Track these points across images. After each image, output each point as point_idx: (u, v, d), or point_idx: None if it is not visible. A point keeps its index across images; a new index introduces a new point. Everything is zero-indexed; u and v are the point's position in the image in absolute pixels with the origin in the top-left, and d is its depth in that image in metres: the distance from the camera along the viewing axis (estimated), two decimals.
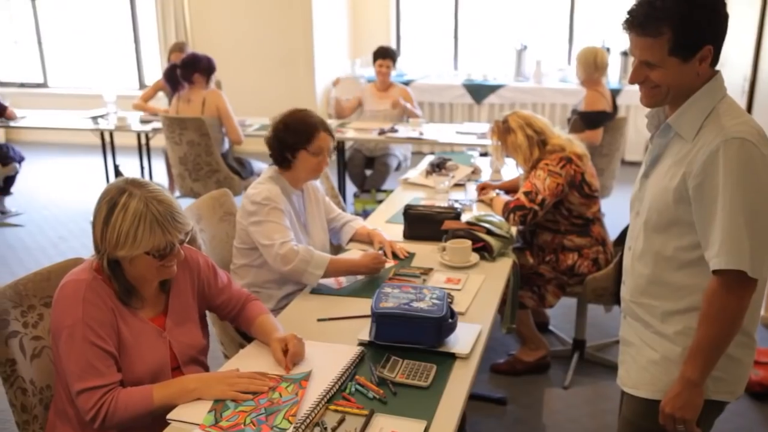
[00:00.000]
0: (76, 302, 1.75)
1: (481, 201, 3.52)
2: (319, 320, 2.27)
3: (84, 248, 5.23)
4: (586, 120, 4.67)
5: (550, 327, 3.91)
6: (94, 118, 5.94)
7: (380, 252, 2.74)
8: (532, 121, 3.27)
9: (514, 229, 3.04)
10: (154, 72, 8.41)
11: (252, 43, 7.88)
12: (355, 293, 2.48)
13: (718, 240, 1.60)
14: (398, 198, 3.69)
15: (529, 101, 7.60)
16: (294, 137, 2.64)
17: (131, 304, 1.86)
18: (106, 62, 8.93)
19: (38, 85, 9.02)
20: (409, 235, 3.00)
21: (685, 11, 1.57)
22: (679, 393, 1.70)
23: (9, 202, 6.24)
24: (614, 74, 7.43)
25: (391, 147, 5.75)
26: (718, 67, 1.70)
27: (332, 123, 5.71)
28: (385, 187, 5.71)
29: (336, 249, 3.05)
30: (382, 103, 5.78)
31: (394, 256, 2.79)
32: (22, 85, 9.02)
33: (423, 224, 2.96)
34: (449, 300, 2.34)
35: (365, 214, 4.56)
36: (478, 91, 7.80)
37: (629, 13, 1.64)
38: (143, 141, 6.23)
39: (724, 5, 1.60)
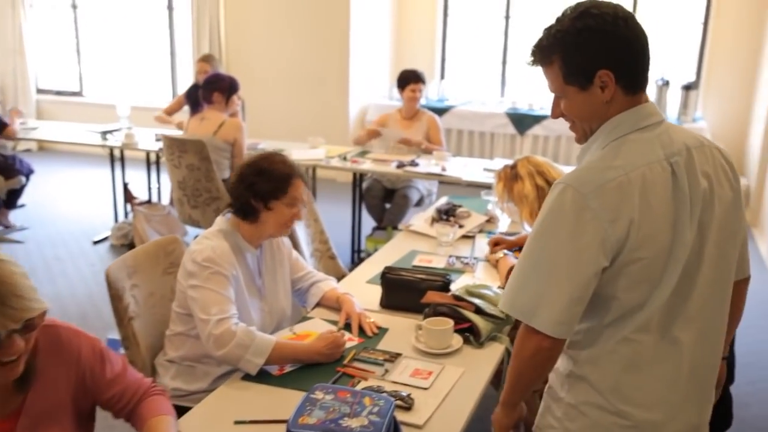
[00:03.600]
0: None
1: (488, 260, 3.01)
2: (236, 423, 1.80)
3: (76, 271, 4.92)
4: None
5: None
6: (104, 133, 5.64)
7: (341, 332, 2.26)
8: (544, 169, 2.76)
9: None
10: (186, 85, 8.14)
11: (285, 61, 7.52)
12: (297, 383, 2.01)
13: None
14: (395, 249, 3.18)
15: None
16: (270, 184, 2.23)
17: None
18: (141, 74, 8.74)
19: (74, 94, 8.89)
20: (386, 304, 2.50)
21: (571, 36, 1.45)
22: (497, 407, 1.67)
23: (19, 215, 6.01)
24: (673, 109, 6.80)
25: (414, 179, 5.24)
26: None
27: (352, 151, 5.28)
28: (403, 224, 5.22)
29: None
30: (407, 132, 5.27)
31: (361, 332, 2.31)
32: (59, 93, 8.92)
33: (402, 292, 2.46)
34: (407, 403, 1.86)
35: None
36: (522, 121, 7.26)
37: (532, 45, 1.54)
38: (152, 159, 5.90)
39: (624, 27, 1.43)
